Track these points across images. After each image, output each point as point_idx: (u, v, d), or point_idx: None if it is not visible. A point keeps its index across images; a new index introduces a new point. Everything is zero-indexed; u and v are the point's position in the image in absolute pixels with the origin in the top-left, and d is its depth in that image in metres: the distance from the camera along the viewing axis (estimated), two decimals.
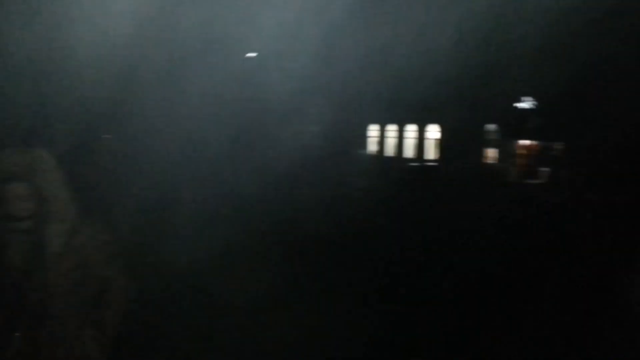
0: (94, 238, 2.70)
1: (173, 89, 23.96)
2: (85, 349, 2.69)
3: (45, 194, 2.56)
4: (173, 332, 5.48)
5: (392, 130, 31.85)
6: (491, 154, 25.93)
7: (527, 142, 25.00)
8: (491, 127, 25.88)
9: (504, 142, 25.30)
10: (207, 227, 9.20)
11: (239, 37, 26.17)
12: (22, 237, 2.58)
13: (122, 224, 8.53)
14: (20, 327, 2.59)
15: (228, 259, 7.71)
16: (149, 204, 10.68)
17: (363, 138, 33.00)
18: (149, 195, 11.48)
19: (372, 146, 33.11)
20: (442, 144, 28.02)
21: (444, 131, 27.88)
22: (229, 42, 25.96)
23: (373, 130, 33.12)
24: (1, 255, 2.58)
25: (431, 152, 28.88)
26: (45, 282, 2.58)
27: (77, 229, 2.64)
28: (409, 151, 30.46)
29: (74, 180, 2.73)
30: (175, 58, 25.42)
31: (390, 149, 31.95)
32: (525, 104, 24.41)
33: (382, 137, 32.57)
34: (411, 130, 30.42)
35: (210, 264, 7.28)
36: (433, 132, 28.92)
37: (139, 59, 23.74)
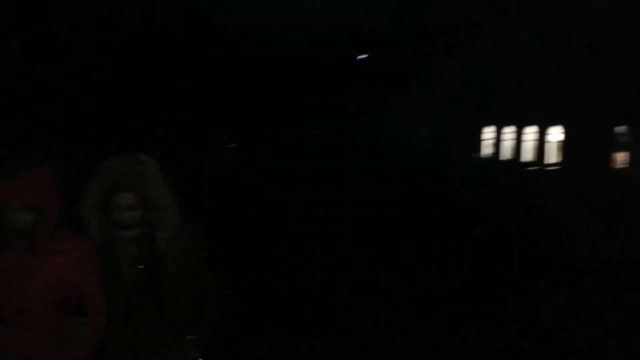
0: (194, 243, 2.77)
1: None
2: (184, 352, 2.78)
3: (151, 202, 2.62)
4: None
5: (509, 132, 30.34)
6: (621, 157, 24.00)
7: None
8: (621, 128, 23.97)
9: (635, 145, 23.33)
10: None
11: None
12: (131, 244, 2.66)
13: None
14: (126, 331, 2.66)
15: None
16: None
17: (477, 141, 31.68)
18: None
19: (486, 149, 31.73)
20: (566, 146, 26.27)
21: (568, 133, 26.13)
22: None
23: (488, 133, 31.71)
24: (111, 262, 2.64)
25: (553, 156, 27.17)
26: (151, 287, 2.66)
27: (180, 235, 2.72)
28: (528, 154, 28.85)
29: (177, 186, 2.77)
30: None
31: (506, 152, 30.44)
32: None
33: (497, 140, 31.11)
34: (531, 132, 28.78)
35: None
36: (555, 134, 27.19)
37: None
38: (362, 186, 14.40)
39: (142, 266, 2.67)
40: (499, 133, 31.11)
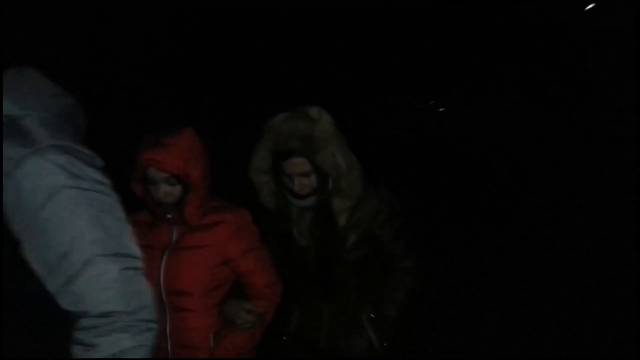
0: (380, 212, 2.40)
1: None
2: (363, 332, 2.45)
3: (326, 168, 2.29)
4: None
5: None
6: None
7: None
8: None
9: None
10: None
11: None
12: (306, 213, 2.40)
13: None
14: (302, 303, 2.50)
15: None
16: None
17: None
18: None
19: None
20: None
21: None
22: None
23: None
24: (287, 233, 2.44)
25: None
26: (328, 258, 2.41)
27: (361, 203, 2.39)
28: None
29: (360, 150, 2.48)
30: None
31: None
32: None
33: None
34: None
35: None
36: None
37: None
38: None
39: (318, 238, 2.37)
40: None
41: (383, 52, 22.63)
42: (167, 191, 2.20)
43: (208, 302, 2.27)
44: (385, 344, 2.44)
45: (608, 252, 6.26)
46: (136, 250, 1.61)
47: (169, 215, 2.25)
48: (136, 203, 2.27)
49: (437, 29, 22.55)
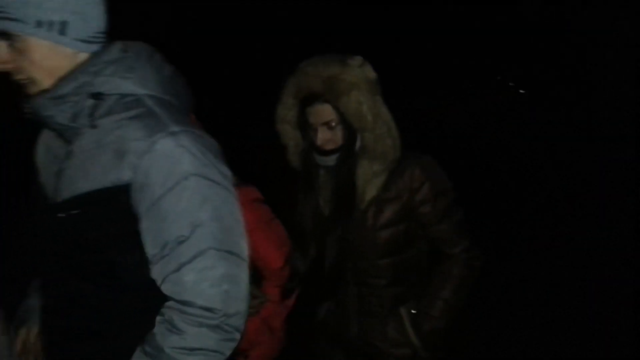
0: (422, 184, 2.04)
1: None
2: (400, 328, 2.10)
3: (349, 116, 1.96)
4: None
5: None
6: None
7: None
8: None
9: None
10: None
11: None
12: (328, 174, 2.08)
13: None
14: (329, 288, 2.18)
15: None
16: None
17: None
18: None
19: None
20: None
21: None
22: None
23: None
24: (306, 196, 2.13)
25: None
26: (355, 235, 2.06)
27: (398, 171, 2.04)
28: None
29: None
30: None
31: None
32: None
33: None
34: None
35: None
36: None
37: None
38: None
39: (342, 206, 2.05)
40: None
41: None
42: None
43: None
44: (427, 343, 2.13)
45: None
46: (246, 253, 1.55)
47: None
48: None
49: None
